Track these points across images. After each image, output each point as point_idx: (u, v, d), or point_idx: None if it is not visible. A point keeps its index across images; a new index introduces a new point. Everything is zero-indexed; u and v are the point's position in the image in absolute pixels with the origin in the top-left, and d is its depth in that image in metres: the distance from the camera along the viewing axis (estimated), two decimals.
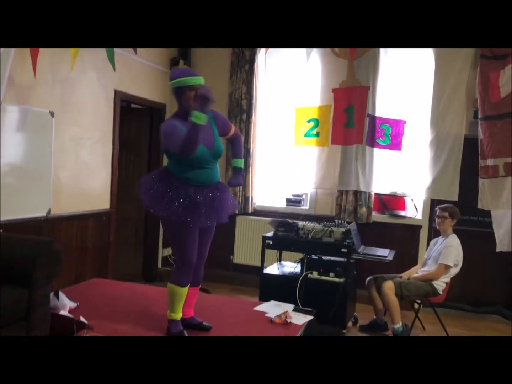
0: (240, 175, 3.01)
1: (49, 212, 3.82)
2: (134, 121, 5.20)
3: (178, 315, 2.84)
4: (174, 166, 2.75)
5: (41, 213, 3.75)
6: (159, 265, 5.67)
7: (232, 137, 2.98)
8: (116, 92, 4.55)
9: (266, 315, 3.26)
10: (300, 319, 3.17)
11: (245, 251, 5.48)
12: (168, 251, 5.74)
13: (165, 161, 5.38)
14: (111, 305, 3.31)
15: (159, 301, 3.42)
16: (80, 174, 4.19)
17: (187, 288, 2.83)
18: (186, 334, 2.80)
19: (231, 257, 5.53)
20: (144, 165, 5.38)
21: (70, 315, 2.56)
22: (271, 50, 5.22)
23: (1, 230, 2.54)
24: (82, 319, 2.55)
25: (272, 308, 3.39)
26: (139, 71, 4.92)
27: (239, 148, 3.02)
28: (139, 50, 4.45)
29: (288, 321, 3.09)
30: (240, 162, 2.99)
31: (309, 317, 3.23)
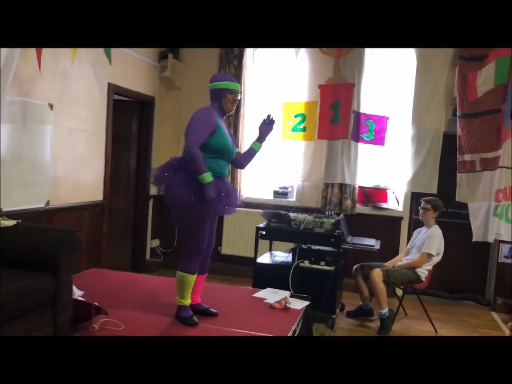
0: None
1: (47, 203, 3.87)
2: (124, 114, 5.24)
3: (188, 301, 2.97)
4: None
5: (40, 204, 3.80)
6: (147, 256, 5.75)
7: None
8: (109, 85, 4.60)
9: (265, 301, 3.42)
10: (298, 304, 3.35)
11: (233, 242, 5.63)
12: (156, 243, 5.84)
13: (155, 154, 5.51)
14: (116, 293, 3.40)
15: (161, 289, 3.54)
16: (76, 166, 4.24)
17: (195, 275, 2.96)
18: (196, 319, 2.93)
19: (219, 248, 5.66)
20: (133, 157, 5.44)
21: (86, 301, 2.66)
22: None
23: (20, 221, 2.60)
24: (96, 304, 2.65)
25: (270, 295, 3.55)
26: (130, 64, 4.98)
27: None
28: None
29: (288, 306, 3.27)
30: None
31: (306, 303, 3.41)
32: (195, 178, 2.78)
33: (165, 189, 2.93)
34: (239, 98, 3.03)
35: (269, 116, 3.15)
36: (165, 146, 5.64)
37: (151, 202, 5.64)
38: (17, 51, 3.08)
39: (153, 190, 5.59)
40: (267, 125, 3.16)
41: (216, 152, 2.86)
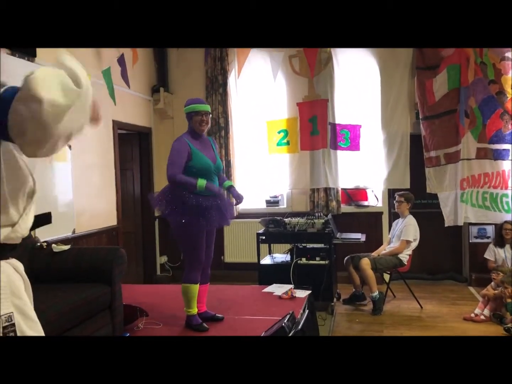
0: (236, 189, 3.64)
1: (73, 231, 4.42)
2: (126, 145, 5.81)
3: (195, 310, 3.33)
4: None
5: (68, 232, 4.34)
6: (158, 272, 6.30)
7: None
8: (113, 121, 5.18)
9: (274, 294, 4.02)
10: (302, 293, 3.96)
11: (234, 251, 6.21)
12: (164, 259, 6.39)
13: (156, 179, 6.08)
14: (143, 301, 3.94)
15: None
16: (93, 196, 4.80)
17: (198, 285, 3.31)
18: (206, 325, 3.29)
19: (222, 257, 6.24)
20: (137, 183, 6.01)
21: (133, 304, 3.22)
22: (242, 73, 5.97)
23: (70, 245, 3.15)
24: (140, 307, 3.22)
25: (277, 289, 4.16)
26: (128, 101, 5.57)
27: (223, 175, 3.73)
28: None
29: (294, 295, 3.87)
30: (231, 182, 3.68)
31: (308, 291, 4.01)
32: (185, 198, 3.16)
33: (162, 213, 3.33)
34: (208, 118, 3.32)
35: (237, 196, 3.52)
36: (164, 171, 6.20)
37: (156, 223, 6.20)
38: None
39: (158, 212, 6.16)
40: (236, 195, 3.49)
41: (199, 172, 3.21)
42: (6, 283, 1.20)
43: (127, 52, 5.24)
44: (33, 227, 1.38)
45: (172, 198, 3.27)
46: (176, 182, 3.19)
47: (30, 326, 1.26)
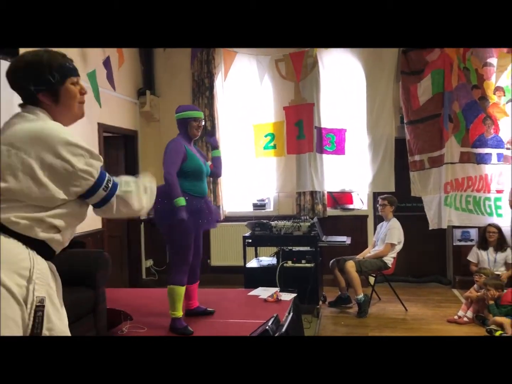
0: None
1: None
2: (111, 148, 5.78)
3: (180, 313, 3.31)
4: (179, 181, 3.30)
5: None
6: (144, 276, 6.27)
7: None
8: (99, 124, 5.16)
9: (260, 297, 4.03)
10: (287, 296, 3.97)
11: (221, 254, 6.21)
12: (150, 263, 6.36)
13: None
14: (127, 305, 3.92)
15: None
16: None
17: (184, 287, 3.32)
18: (191, 329, 3.26)
19: (209, 261, 6.23)
20: None
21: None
22: (228, 76, 5.97)
23: None
24: (124, 311, 3.20)
25: (262, 292, 4.16)
26: (114, 103, 5.54)
27: None
28: None
29: (279, 298, 3.88)
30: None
31: (294, 294, 4.03)
32: (175, 204, 3.16)
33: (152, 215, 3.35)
34: (202, 124, 3.49)
35: (209, 134, 3.74)
36: (153, 173, 6.20)
37: (142, 226, 6.17)
38: None
39: (144, 215, 6.13)
40: (212, 138, 3.82)
41: (193, 174, 3.32)
42: (46, 270, 1.47)
43: (113, 54, 5.23)
44: (69, 245, 1.66)
45: (161, 202, 3.21)
46: (166, 180, 3.22)
47: (55, 314, 1.48)
